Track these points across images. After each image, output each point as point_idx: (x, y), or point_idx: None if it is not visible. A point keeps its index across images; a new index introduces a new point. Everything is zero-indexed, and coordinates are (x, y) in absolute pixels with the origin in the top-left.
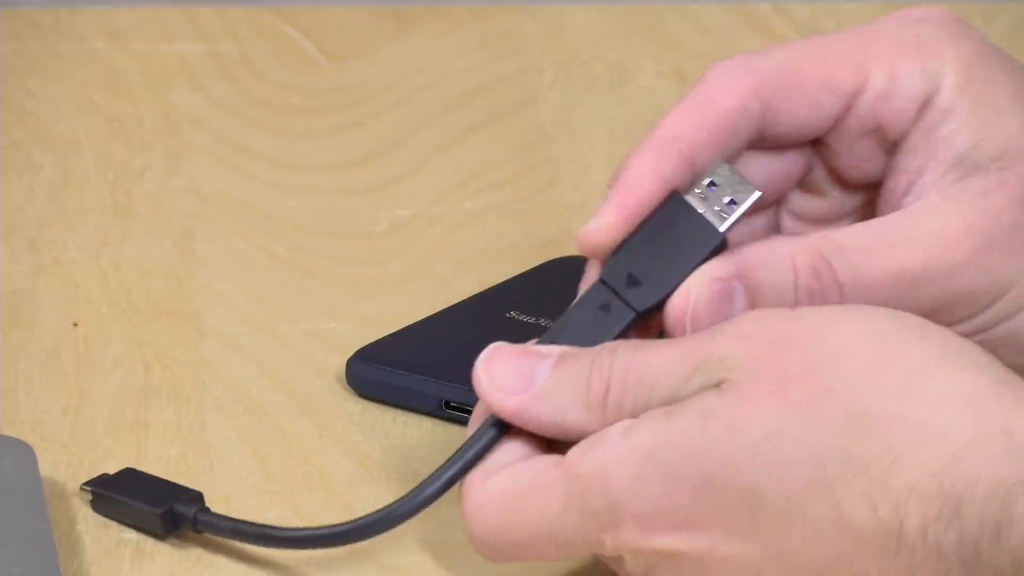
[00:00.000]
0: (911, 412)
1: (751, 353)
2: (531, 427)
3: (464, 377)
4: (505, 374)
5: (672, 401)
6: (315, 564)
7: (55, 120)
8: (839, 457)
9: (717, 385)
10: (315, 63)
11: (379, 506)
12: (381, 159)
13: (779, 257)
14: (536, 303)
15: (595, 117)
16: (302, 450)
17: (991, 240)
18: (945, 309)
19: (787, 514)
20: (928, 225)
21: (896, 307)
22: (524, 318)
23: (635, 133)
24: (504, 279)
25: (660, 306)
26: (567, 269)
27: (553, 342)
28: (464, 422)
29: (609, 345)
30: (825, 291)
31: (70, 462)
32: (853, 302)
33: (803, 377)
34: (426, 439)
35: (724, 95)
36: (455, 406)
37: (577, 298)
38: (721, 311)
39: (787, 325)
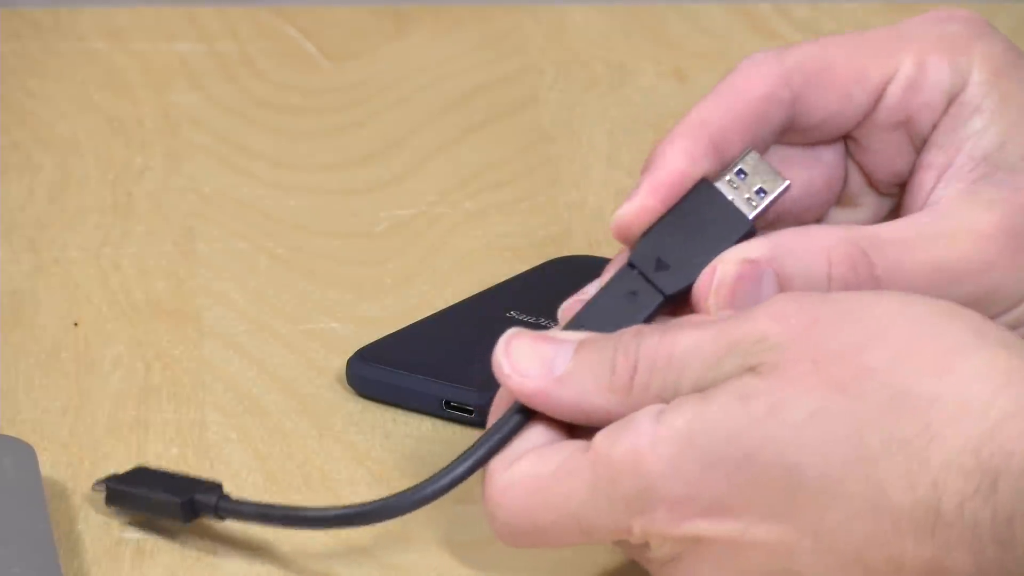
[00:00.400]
0: (949, 390)
1: (788, 334)
2: (553, 411)
3: (464, 377)
4: (526, 358)
5: (703, 383)
6: (315, 563)
7: (55, 120)
8: (880, 435)
9: (753, 368)
10: (315, 63)
11: None
12: (381, 159)
13: (814, 246)
14: (536, 303)
15: (595, 117)
16: (302, 450)
17: (1019, 237)
18: (975, 307)
19: (827, 493)
20: (962, 221)
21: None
22: (524, 318)
23: (635, 133)
24: (504, 279)
25: (688, 291)
26: (567, 269)
27: (580, 326)
28: (464, 422)
29: (632, 329)
30: (860, 284)
31: (70, 462)
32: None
33: (843, 357)
34: (426, 439)
35: (753, 83)
36: (455, 406)
37: (604, 283)
38: (748, 293)
39: (822, 307)
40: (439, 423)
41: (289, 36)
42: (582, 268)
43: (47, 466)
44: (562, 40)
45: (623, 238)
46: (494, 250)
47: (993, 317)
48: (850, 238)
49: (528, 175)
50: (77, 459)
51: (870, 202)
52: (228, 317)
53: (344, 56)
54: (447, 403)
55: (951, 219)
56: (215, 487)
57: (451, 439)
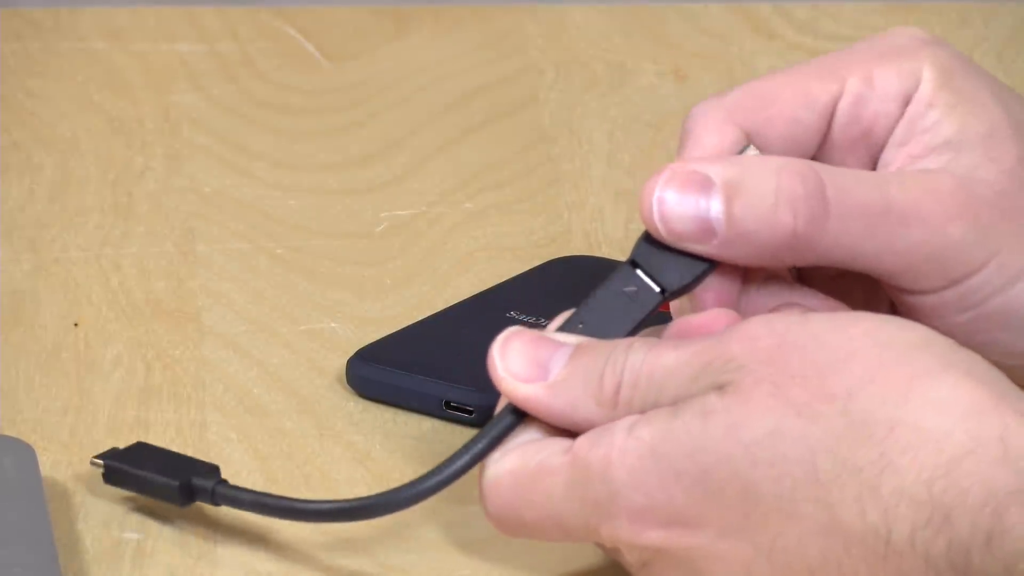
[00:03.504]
0: (908, 419)
1: (756, 356)
2: (542, 416)
3: (464, 377)
4: (520, 361)
5: (678, 400)
6: (314, 563)
7: (55, 120)
8: (834, 459)
9: (719, 387)
10: (315, 63)
11: None
12: (381, 159)
13: (763, 160)
14: (536, 303)
15: (595, 117)
16: (302, 450)
17: (981, 200)
18: (935, 261)
19: (780, 513)
20: (917, 176)
21: (884, 247)
22: (524, 318)
23: (635, 133)
24: (504, 279)
25: (688, 288)
26: (567, 269)
27: (579, 323)
28: (464, 422)
29: (625, 341)
30: (808, 197)
31: (70, 462)
32: (839, 223)
33: (805, 379)
34: (426, 439)
35: (705, 134)
36: (455, 406)
37: (605, 281)
38: (696, 204)
39: (793, 329)
40: (439, 423)
41: (289, 36)
42: (582, 268)
43: (47, 466)
44: (562, 40)
45: None
46: (494, 250)
47: (959, 280)
48: (800, 160)
49: (528, 175)
50: (77, 459)
51: None
52: (228, 317)
53: (344, 56)
54: (447, 403)
55: (907, 174)
56: (213, 470)
57: (451, 439)
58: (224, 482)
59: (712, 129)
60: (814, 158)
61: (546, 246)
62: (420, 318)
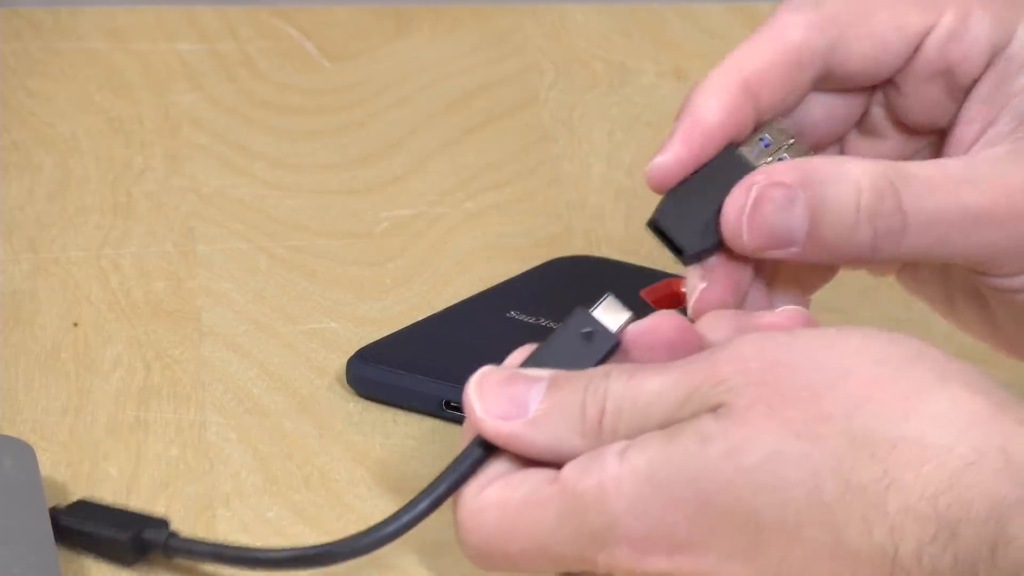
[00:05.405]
0: (909, 435)
1: (748, 377)
2: (525, 452)
3: (464, 377)
4: (497, 399)
5: (667, 425)
6: None
7: (55, 120)
8: (837, 480)
9: (714, 409)
10: (315, 63)
11: (379, 509)
12: (381, 159)
13: (845, 173)
14: (536, 303)
15: (595, 117)
16: (302, 450)
17: None
18: (1001, 257)
19: (784, 536)
20: (995, 170)
21: (955, 248)
22: (524, 318)
23: (635, 133)
24: (504, 279)
25: (707, 252)
26: (567, 269)
27: (539, 364)
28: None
29: (602, 369)
30: (887, 215)
31: (70, 462)
32: (915, 233)
33: (801, 400)
34: (426, 439)
35: (791, 29)
36: (455, 406)
37: (560, 324)
38: (779, 218)
39: (783, 348)
40: (439, 423)
41: (289, 36)
42: (582, 268)
43: (47, 466)
44: (562, 40)
45: (657, 189)
46: (494, 250)
47: (1019, 272)
48: (881, 171)
49: (528, 175)
50: (77, 459)
51: (894, 137)
52: (228, 317)
53: (344, 56)
54: (447, 403)
55: (982, 167)
56: (163, 523)
57: (451, 439)
58: (175, 534)
59: (800, 27)
60: (889, 80)
61: (546, 246)
62: (420, 318)
